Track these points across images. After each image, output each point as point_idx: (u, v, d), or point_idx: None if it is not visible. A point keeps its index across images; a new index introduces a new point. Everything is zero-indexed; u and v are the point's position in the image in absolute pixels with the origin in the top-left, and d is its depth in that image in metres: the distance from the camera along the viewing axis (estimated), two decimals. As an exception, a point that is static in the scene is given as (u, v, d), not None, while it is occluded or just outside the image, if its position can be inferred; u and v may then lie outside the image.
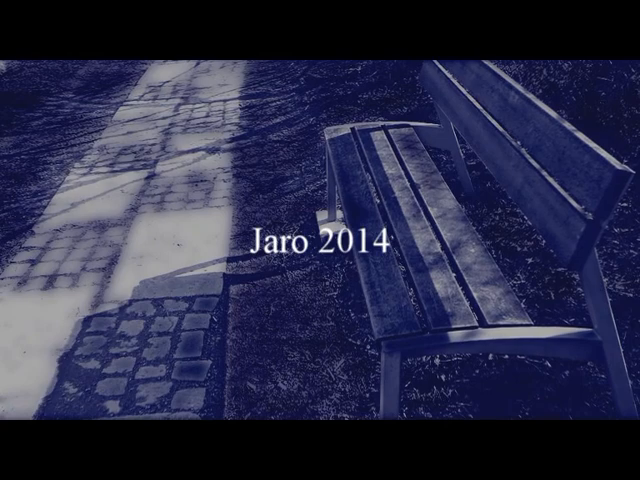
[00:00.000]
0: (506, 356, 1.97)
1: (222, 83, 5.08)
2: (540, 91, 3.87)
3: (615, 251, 2.44)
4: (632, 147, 3.08)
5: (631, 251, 2.42)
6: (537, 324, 2.03)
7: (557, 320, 2.09)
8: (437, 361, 2.00)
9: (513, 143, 1.77)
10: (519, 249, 2.50)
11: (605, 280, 2.25)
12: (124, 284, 2.63)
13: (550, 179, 1.56)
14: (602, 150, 1.39)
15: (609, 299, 1.50)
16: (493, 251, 2.49)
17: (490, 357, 1.98)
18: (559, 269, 2.33)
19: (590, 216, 1.37)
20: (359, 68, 4.93)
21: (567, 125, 1.53)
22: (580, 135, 1.47)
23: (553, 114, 1.60)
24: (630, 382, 1.62)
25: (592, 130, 3.25)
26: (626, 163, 2.97)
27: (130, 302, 2.51)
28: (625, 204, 2.72)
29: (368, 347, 2.13)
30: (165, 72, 5.64)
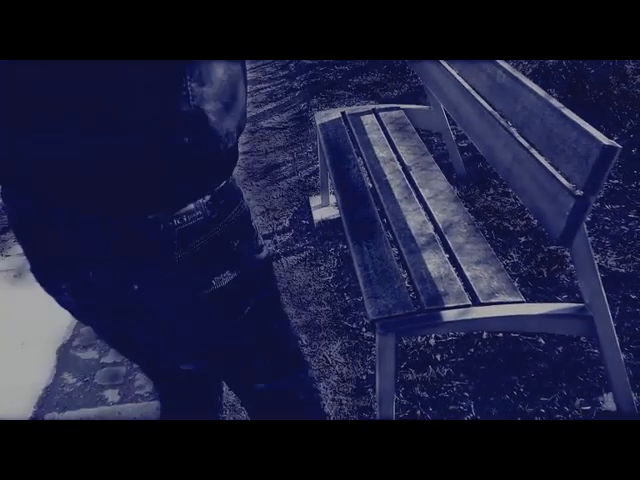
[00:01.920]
0: (500, 334, 1.99)
1: (212, 71, 5.07)
2: (530, 70, 3.87)
3: (607, 227, 2.46)
4: (622, 124, 3.09)
5: (622, 227, 2.44)
6: (529, 301, 2.05)
7: (550, 297, 2.11)
8: (432, 341, 2.02)
9: (502, 122, 1.78)
10: (512, 228, 2.51)
11: (597, 256, 2.27)
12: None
13: (539, 157, 1.57)
14: (589, 126, 1.40)
15: (600, 275, 1.51)
16: (486, 231, 2.50)
17: (484, 336, 2.00)
18: (551, 247, 2.35)
19: (579, 192, 1.38)
20: (349, 52, 4.92)
21: (554, 102, 1.53)
22: (567, 112, 1.48)
23: (541, 92, 1.61)
24: (623, 355, 1.64)
25: (582, 108, 3.25)
26: (617, 140, 2.98)
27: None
28: (616, 180, 2.74)
29: (364, 330, 2.14)
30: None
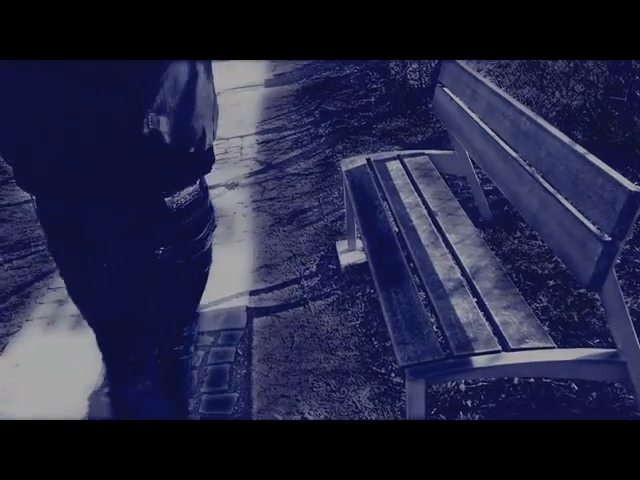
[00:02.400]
0: (532, 379, 1.97)
1: (239, 119, 5.19)
2: (554, 113, 3.90)
3: (637, 270, 2.43)
4: (649, 165, 3.09)
5: (653, 269, 2.41)
6: (561, 346, 2.03)
7: (581, 342, 2.09)
8: (462, 387, 2.00)
9: (527, 168, 1.80)
10: (540, 272, 2.50)
11: (629, 300, 2.25)
12: (150, 321, 2.67)
13: (565, 202, 1.58)
14: (615, 172, 1.41)
15: (632, 319, 1.50)
16: (514, 275, 2.49)
17: (515, 381, 1.98)
18: (581, 290, 2.33)
19: (606, 237, 1.39)
20: (372, 99, 5.01)
21: (579, 148, 1.55)
22: (592, 158, 1.50)
23: (565, 138, 1.63)
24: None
25: (608, 150, 3.26)
26: (644, 181, 2.98)
27: (156, 338, 2.55)
28: (645, 222, 2.72)
29: (393, 375, 2.14)
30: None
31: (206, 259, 1.45)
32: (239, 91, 6.06)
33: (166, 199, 1.26)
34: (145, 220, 1.25)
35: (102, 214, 1.22)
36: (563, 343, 2.10)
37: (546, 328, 2.18)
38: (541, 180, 1.71)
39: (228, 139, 4.81)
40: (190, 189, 1.33)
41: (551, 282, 2.43)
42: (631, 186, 1.34)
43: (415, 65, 4.78)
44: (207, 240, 1.42)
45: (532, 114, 1.80)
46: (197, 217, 1.36)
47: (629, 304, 2.21)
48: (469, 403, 1.93)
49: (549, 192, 1.65)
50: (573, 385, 1.92)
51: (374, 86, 5.26)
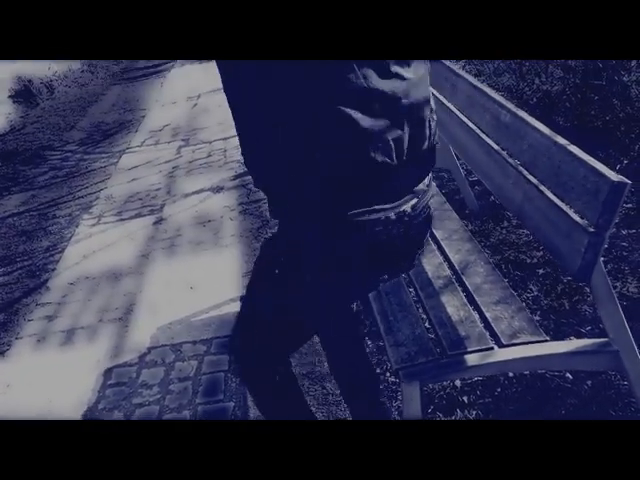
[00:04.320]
0: (526, 372, 1.97)
1: (221, 122, 5.16)
2: (534, 100, 3.90)
3: (625, 253, 2.44)
4: (630, 147, 3.09)
5: (641, 252, 2.42)
6: (553, 338, 2.03)
7: (574, 330, 2.09)
8: (458, 383, 2.00)
9: (509, 161, 1.79)
10: (529, 261, 2.50)
11: (618, 284, 2.25)
12: (141, 332, 2.66)
13: (549, 194, 1.57)
14: (597, 162, 1.41)
15: (623, 303, 1.50)
16: (503, 265, 2.49)
17: (510, 374, 1.98)
18: (571, 278, 2.33)
19: (592, 228, 1.38)
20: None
21: (560, 140, 1.55)
22: (574, 149, 1.49)
23: (545, 130, 1.62)
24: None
25: (589, 134, 3.27)
26: (626, 163, 2.98)
27: (149, 350, 2.53)
28: (630, 205, 2.72)
29: (388, 375, 2.13)
30: (164, 116, 5.73)
31: None
32: (219, 92, 6.02)
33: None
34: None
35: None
36: (555, 332, 2.10)
37: (538, 318, 2.19)
38: (524, 172, 1.70)
39: (211, 142, 4.79)
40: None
41: (540, 271, 2.43)
42: (613, 176, 1.33)
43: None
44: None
45: (512, 106, 1.80)
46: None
47: (618, 288, 2.22)
48: (465, 399, 1.93)
49: (532, 184, 1.64)
50: (568, 375, 1.92)
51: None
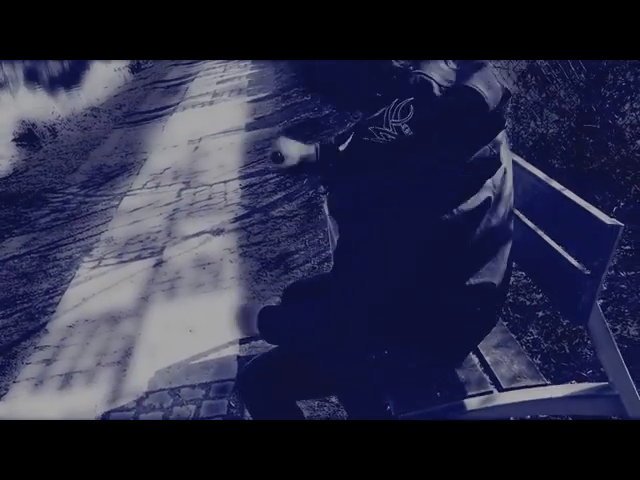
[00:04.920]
0: (528, 417, 1.95)
1: (221, 164, 5.23)
2: (530, 143, 3.96)
3: (624, 296, 2.44)
4: (626, 189, 3.12)
5: (640, 294, 2.42)
6: (554, 382, 2.02)
7: (574, 373, 2.08)
8: (458, 427, 1.98)
9: (506, 204, 1.81)
10: (528, 303, 2.51)
11: (618, 327, 2.25)
12: (140, 376, 2.64)
13: (545, 237, 1.59)
14: (591, 206, 1.42)
15: (624, 346, 1.50)
16: (502, 308, 2.49)
17: (511, 418, 1.96)
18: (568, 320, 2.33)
19: (587, 271, 1.39)
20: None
21: (555, 184, 1.57)
22: (568, 193, 1.51)
23: (540, 174, 1.64)
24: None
25: (585, 177, 3.31)
26: (622, 205, 3.01)
27: (147, 394, 2.51)
28: (628, 247, 2.74)
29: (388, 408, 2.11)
30: (165, 158, 5.81)
31: None
32: (220, 136, 6.12)
33: None
34: None
35: None
36: (556, 376, 2.09)
37: (538, 361, 2.18)
38: (521, 216, 1.72)
39: (211, 185, 4.84)
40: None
41: (540, 313, 2.43)
42: (607, 219, 1.35)
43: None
44: None
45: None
46: None
47: (618, 331, 2.22)
48: (466, 444, 1.91)
49: (529, 227, 1.66)
50: (569, 419, 1.90)
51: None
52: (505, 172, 1.37)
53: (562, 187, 1.55)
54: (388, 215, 1.24)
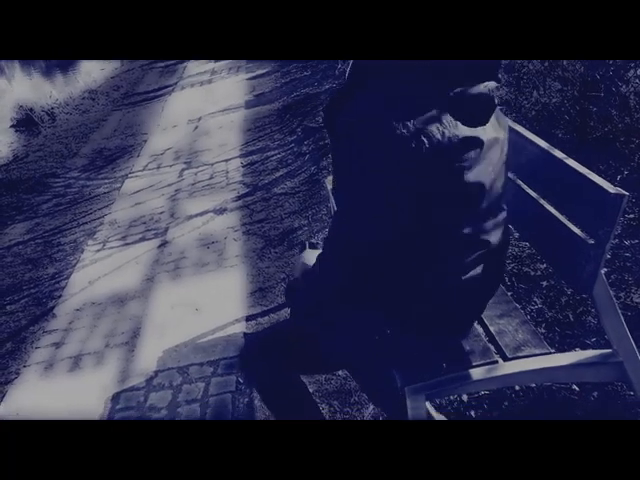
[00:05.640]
0: (533, 384, 1.97)
1: (222, 143, 5.21)
2: (533, 113, 3.93)
3: (628, 264, 2.44)
4: (631, 157, 3.11)
5: (644, 262, 2.42)
6: (558, 350, 2.04)
7: (579, 341, 2.09)
8: (465, 397, 2.00)
9: (509, 175, 1.80)
10: (532, 273, 2.51)
11: (622, 294, 2.26)
12: (148, 356, 2.66)
13: (549, 207, 1.58)
14: (594, 175, 1.42)
15: (627, 313, 1.50)
16: (507, 278, 2.50)
17: (517, 387, 1.98)
18: (573, 289, 2.34)
19: (592, 240, 1.39)
20: (353, 112, 5.04)
21: (558, 153, 1.56)
22: (571, 162, 1.50)
23: (543, 144, 1.64)
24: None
25: (589, 146, 3.29)
26: (627, 174, 2.99)
27: (156, 373, 2.54)
28: (632, 215, 2.73)
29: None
30: (165, 139, 5.79)
31: None
32: (220, 115, 6.08)
33: None
34: None
35: None
36: (560, 344, 2.10)
37: (543, 330, 2.19)
38: (524, 186, 1.71)
39: (213, 164, 4.83)
40: None
41: (544, 283, 2.44)
42: (611, 188, 1.35)
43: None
44: None
45: (510, 121, 1.81)
46: None
47: (622, 299, 2.22)
48: (473, 414, 1.93)
49: (532, 198, 1.65)
50: (574, 386, 1.92)
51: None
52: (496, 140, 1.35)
53: (565, 156, 1.54)
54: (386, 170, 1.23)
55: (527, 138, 1.70)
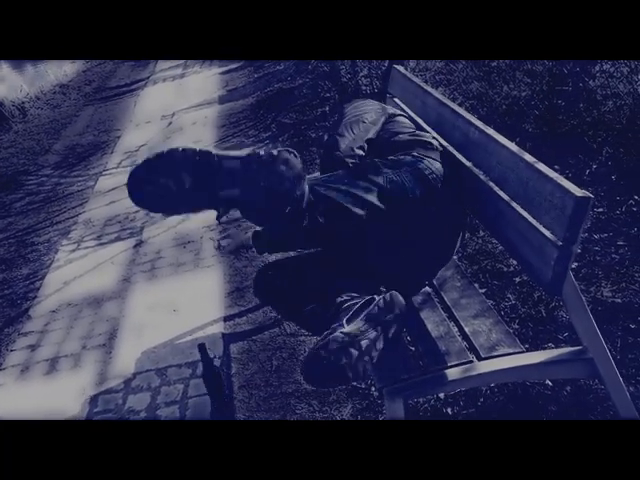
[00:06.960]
0: (508, 383, 2.01)
1: (196, 140, 5.17)
2: (504, 107, 3.98)
3: (597, 258, 2.50)
4: (599, 150, 3.16)
5: (613, 256, 2.48)
6: (531, 345, 2.09)
7: (551, 336, 2.14)
8: (442, 395, 2.04)
9: (481, 177, 1.84)
10: (505, 269, 2.56)
11: (592, 289, 2.31)
12: (126, 358, 2.66)
13: (519, 209, 1.62)
14: (562, 179, 1.45)
15: (597, 307, 1.55)
16: (480, 275, 2.55)
17: (492, 384, 2.02)
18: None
19: (560, 242, 1.43)
20: (327, 108, 5.05)
21: (527, 157, 1.59)
22: (541, 166, 1.54)
23: (513, 147, 1.67)
24: (630, 389, 1.66)
25: (558, 140, 3.34)
26: (595, 168, 3.05)
27: (134, 375, 2.54)
28: (601, 209, 2.79)
29: (373, 389, 2.16)
30: (139, 135, 5.73)
31: None
32: (193, 110, 6.04)
33: None
34: None
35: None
36: (534, 339, 2.15)
37: (516, 326, 2.24)
38: (495, 188, 1.75)
39: (187, 161, 4.78)
40: None
41: (517, 279, 2.48)
42: (577, 191, 1.38)
43: (366, 71, 4.83)
44: None
45: (481, 124, 1.84)
46: None
47: (592, 293, 2.28)
48: (449, 411, 1.97)
49: (503, 199, 1.69)
50: (548, 382, 1.97)
51: (327, 94, 5.29)
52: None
53: (534, 160, 1.57)
54: None
55: (497, 141, 1.73)
